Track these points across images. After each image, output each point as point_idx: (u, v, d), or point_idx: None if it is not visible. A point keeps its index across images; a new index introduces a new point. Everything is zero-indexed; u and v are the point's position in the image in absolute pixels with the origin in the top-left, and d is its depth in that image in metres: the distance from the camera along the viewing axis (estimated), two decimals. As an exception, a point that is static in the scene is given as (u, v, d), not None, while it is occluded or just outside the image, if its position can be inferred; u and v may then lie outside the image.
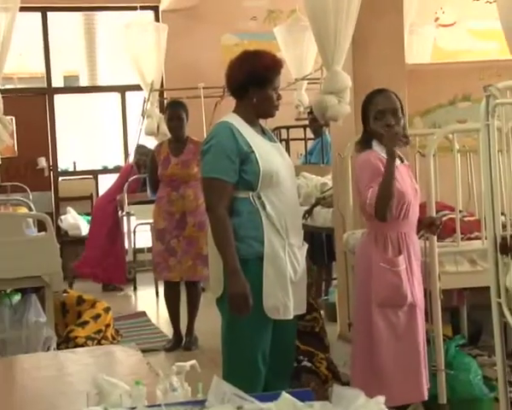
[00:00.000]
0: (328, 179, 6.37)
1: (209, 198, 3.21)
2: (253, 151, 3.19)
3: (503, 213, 3.47)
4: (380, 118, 3.53)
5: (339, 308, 5.55)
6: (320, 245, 6.56)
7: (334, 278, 6.41)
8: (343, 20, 4.56)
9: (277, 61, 3.35)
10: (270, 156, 3.24)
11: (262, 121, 3.48)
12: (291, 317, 3.29)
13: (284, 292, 3.23)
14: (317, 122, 7.04)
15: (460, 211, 4.23)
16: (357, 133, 5.06)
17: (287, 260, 3.23)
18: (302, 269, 3.34)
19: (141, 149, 9.00)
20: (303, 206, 6.26)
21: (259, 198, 3.19)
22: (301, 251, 3.35)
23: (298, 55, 9.04)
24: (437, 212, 4.12)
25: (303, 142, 8.08)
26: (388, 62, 5.16)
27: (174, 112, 5.87)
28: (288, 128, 7.54)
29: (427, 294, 3.92)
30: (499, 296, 3.34)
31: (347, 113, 4.84)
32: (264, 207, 3.19)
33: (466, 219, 4.44)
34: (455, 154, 4.24)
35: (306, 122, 8.14)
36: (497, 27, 5.46)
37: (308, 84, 9.00)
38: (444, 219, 4.24)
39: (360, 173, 3.54)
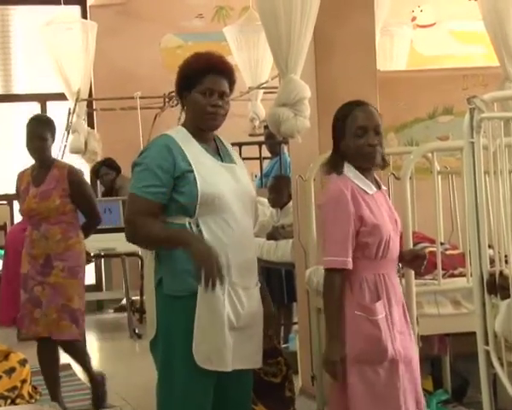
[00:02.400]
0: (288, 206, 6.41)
1: (127, 211, 3.32)
2: (191, 170, 3.23)
3: (490, 246, 3.52)
4: (361, 135, 3.45)
5: (300, 358, 5.56)
6: (278, 283, 6.58)
7: (295, 323, 6.42)
8: (298, 19, 4.59)
9: (207, 57, 3.36)
10: (215, 177, 3.26)
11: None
12: (227, 369, 3.25)
13: (219, 338, 3.21)
14: (273, 138, 7.09)
15: (441, 243, 4.29)
16: (320, 152, 5.11)
17: (225, 300, 3.21)
18: (249, 314, 3.30)
19: None
20: (258, 237, 6.29)
21: (197, 226, 3.22)
22: (249, 292, 3.32)
23: (252, 60, 9.10)
24: (414, 244, 4.17)
25: (258, 161, 8.12)
26: (357, 69, 5.23)
27: (34, 130, 5.55)
28: (240, 145, 7.57)
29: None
30: (487, 343, 3.38)
31: (305, 128, 4.87)
32: (202, 236, 3.21)
33: (448, 252, 4.50)
34: (435, 176, 4.30)
35: (262, 138, 8.19)
36: (483, 29, 5.58)
37: (265, 93, 9.06)
38: (423, 252, 4.28)
39: (326, 213, 3.44)
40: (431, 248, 4.33)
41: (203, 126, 3.33)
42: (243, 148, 8.01)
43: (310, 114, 4.93)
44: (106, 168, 8.95)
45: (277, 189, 6.63)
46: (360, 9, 5.26)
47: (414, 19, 9.98)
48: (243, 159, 7.55)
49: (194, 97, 3.30)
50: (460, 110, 4.60)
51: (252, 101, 9.30)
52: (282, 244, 6.13)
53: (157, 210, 3.24)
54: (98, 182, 9.51)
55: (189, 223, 3.20)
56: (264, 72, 9.01)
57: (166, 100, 9.26)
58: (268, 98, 8.70)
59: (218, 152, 3.39)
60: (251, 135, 9.00)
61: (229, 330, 3.22)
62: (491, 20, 5.28)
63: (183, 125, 3.37)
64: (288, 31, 4.65)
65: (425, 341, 4.01)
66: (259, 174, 8.19)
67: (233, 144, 7.43)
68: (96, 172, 9.22)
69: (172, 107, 9.21)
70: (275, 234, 6.39)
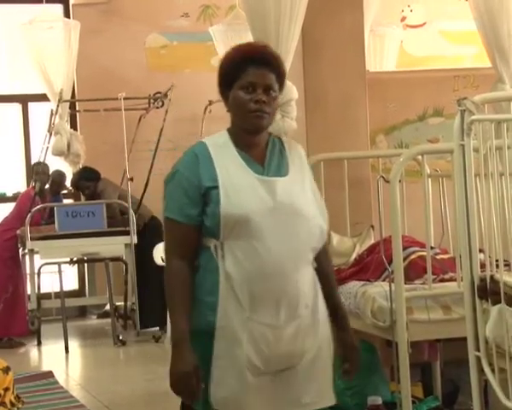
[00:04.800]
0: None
1: (165, 243, 2.95)
2: (216, 186, 2.84)
3: (481, 250, 3.54)
4: None
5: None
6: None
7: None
8: (286, 21, 4.61)
9: (247, 48, 3.01)
10: (244, 195, 2.85)
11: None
12: None
13: (238, 384, 2.84)
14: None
15: (432, 247, 4.31)
16: (308, 154, 5.13)
17: (244, 340, 2.82)
18: (283, 356, 2.87)
19: (37, 166, 8.91)
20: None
21: (222, 250, 2.85)
22: (279, 332, 2.86)
23: (239, 60, 9.10)
24: (404, 248, 4.19)
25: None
26: (346, 70, 5.26)
27: None
28: (226, 147, 7.58)
29: (393, 347, 3.97)
30: (478, 349, 3.40)
31: (292, 129, 4.89)
32: (224, 264, 2.84)
33: (439, 256, 4.52)
34: (425, 179, 4.32)
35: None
36: (474, 29, 5.60)
37: (252, 94, 9.06)
38: (412, 257, 4.31)
39: None
40: (421, 253, 4.35)
41: (247, 127, 2.91)
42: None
43: (298, 115, 4.95)
44: (84, 182, 8.91)
45: None
46: (349, 9, 5.30)
47: (404, 19, 9.99)
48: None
49: (235, 95, 2.91)
50: (450, 112, 4.64)
51: (238, 102, 9.30)
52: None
53: (194, 234, 2.87)
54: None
55: (215, 246, 2.84)
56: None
57: (151, 101, 9.26)
58: (255, 99, 8.72)
59: (264, 161, 2.95)
60: (237, 137, 9.00)
61: (253, 376, 2.84)
62: (483, 21, 5.31)
63: (228, 129, 2.97)
64: (277, 30, 4.67)
65: (415, 347, 4.03)
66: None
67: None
68: (75, 186, 9.18)
69: (157, 108, 9.23)
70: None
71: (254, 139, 2.93)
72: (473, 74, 5.96)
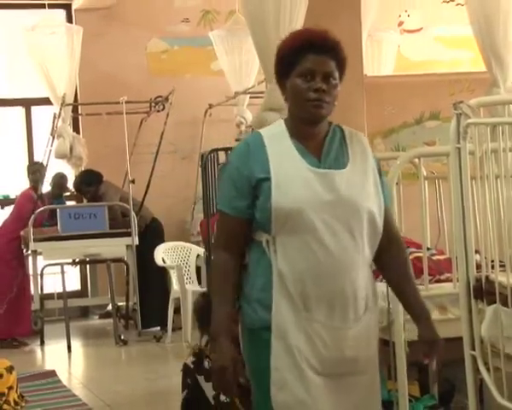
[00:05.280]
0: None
1: (215, 234, 2.86)
2: (268, 178, 2.66)
3: (477, 251, 3.55)
4: None
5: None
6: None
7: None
8: (286, 25, 4.62)
9: (305, 33, 2.80)
10: (296, 187, 2.65)
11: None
12: None
13: (300, 385, 2.64)
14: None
15: (428, 248, 4.31)
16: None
17: (301, 339, 2.64)
18: (341, 359, 2.68)
19: (32, 166, 8.92)
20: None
21: (274, 245, 2.67)
22: (338, 333, 2.68)
23: (238, 65, 9.13)
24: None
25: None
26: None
27: None
28: (226, 150, 7.58)
29: (391, 346, 3.97)
30: (473, 349, 3.41)
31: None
32: (276, 259, 2.66)
33: (435, 257, 4.52)
34: (421, 181, 4.32)
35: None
36: (470, 34, 5.61)
37: (251, 98, 9.08)
38: (410, 258, 4.31)
39: None
40: (417, 254, 4.35)
41: (305, 117, 2.71)
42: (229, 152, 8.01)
43: (296, 119, 4.95)
44: (85, 186, 8.91)
45: None
46: (347, 14, 5.30)
47: (401, 24, 10.01)
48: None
49: (292, 82, 2.71)
50: (447, 115, 4.63)
51: (238, 106, 9.32)
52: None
53: (242, 228, 2.71)
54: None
55: (267, 241, 2.67)
56: (251, 76, 9.04)
57: (152, 105, 9.27)
58: (254, 103, 8.73)
59: (321, 152, 2.74)
60: (237, 140, 9.00)
61: (315, 375, 2.66)
62: (480, 26, 5.32)
63: (285, 119, 2.79)
64: (277, 35, 4.67)
65: (411, 346, 4.03)
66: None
67: (219, 150, 7.53)
68: (77, 190, 9.18)
69: (158, 112, 9.24)
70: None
71: (312, 129, 2.73)
72: (468, 78, 5.96)
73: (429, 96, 5.77)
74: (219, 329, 2.69)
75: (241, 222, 2.71)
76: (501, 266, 3.66)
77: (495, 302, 3.39)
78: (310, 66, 2.68)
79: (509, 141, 3.63)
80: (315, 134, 2.73)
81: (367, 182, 2.72)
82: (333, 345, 2.66)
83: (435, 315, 4.14)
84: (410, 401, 4.06)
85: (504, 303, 3.57)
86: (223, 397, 4.20)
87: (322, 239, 2.63)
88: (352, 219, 2.67)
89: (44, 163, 8.86)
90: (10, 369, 5.78)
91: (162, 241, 8.60)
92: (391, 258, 2.81)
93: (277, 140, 2.72)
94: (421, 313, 2.83)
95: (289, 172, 2.66)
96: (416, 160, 4.46)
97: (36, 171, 8.73)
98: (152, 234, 8.63)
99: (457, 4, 9.14)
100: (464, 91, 5.72)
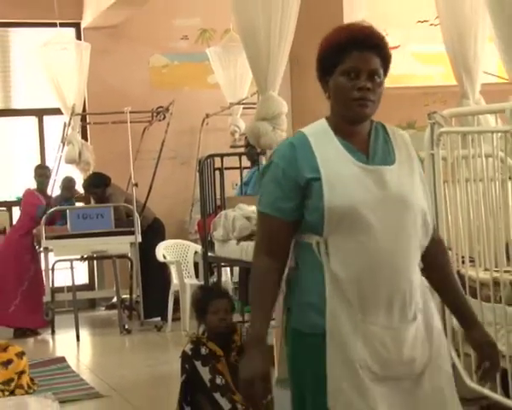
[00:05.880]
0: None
1: (256, 237, 2.50)
2: (318, 178, 2.35)
3: (449, 248, 3.55)
4: None
5: (277, 351, 5.56)
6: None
7: (272, 319, 6.42)
8: (276, 41, 4.63)
9: (349, 29, 2.45)
10: (349, 185, 2.35)
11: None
12: None
13: (359, 393, 2.32)
14: (253, 149, 7.11)
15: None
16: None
17: (358, 344, 2.32)
18: (404, 360, 2.37)
19: (40, 169, 8.91)
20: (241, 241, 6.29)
21: (326, 248, 2.34)
22: (396, 333, 2.37)
23: (233, 78, 9.14)
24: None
25: (239, 171, 8.13)
26: (329, 87, 5.26)
27: None
28: (221, 156, 7.58)
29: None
30: (445, 336, 3.41)
31: (282, 140, 4.91)
32: (329, 262, 2.34)
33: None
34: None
35: (242, 150, 8.20)
36: (441, 51, 5.63)
37: (244, 108, 9.08)
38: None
39: None
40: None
41: (349, 116, 2.41)
42: (225, 159, 8.02)
43: (286, 128, 4.96)
44: (93, 188, 8.90)
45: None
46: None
47: (380, 42, 10.02)
48: (225, 169, 7.74)
49: (336, 81, 2.41)
50: (422, 125, 4.65)
51: (232, 115, 9.32)
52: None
53: (287, 230, 2.40)
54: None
55: (318, 243, 2.35)
56: (244, 89, 9.04)
57: (154, 114, 9.27)
58: (247, 113, 8.74)
59: (368, 150, 2.44)
60: (232, 147, 9.02)
61: (372, 382, 2.34)
62: (453, 43, 5.33)
63: (327, 117, 2.48)
64: (267, 51, 4.68)
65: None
66: (240, 183, 8.19)
67: (215, 155, 7.53)
68: (86, 191, 9.19)
69: (160, 121, 9.24)
70: (252, 235, 6.40)
71: (356, 128, 2.43)
72: (441, 91, 5.98)
73: (406, 107, 5.78)
74: (254, 341, 2.39)
75: (285, 224, 2.38)
76: (471, 261, 3.67)
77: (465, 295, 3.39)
78: (354, 63, 2.38)
79: (478, 148, 3.64)
80: (358, 132, 2.43)
81: (415, 180, 2.43)
82: (393, 346, 2.36)
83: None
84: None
85: (474, 295, 3.58)
86: (218, 380, 4.19)
87: (376, 238, 2.32)
88: (405, 216, 2.37)
89: (55, 168, 8.86)
90: (21, 354, 5.75)
91: (163, 239, 8.60)
92: (435, 258, 2.52)
93: (322, 138, 2.42)
94: (471, 316, 2.55)
95: (339, 170, 2.36)
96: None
97: (42, 175, 8.74)
98: (154, 233, 8.63)
99: (431, 24, 9.17)
100: (437, 103, 5.74)
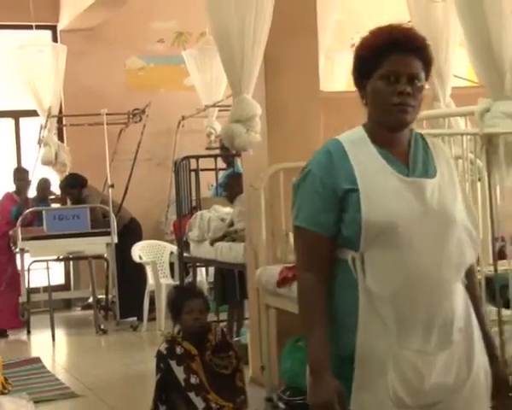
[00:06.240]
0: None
1: (296, 255, 2.29)
2: (355, 189, 2.17)
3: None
4: None
5: (251, 350, 5.56)
6: (232, 282, 6.57)
7: (247, 318, 6.43)
8: (250, 43, 4.61)
9: (388, 31, 2.25)
10: (388, 198, 2.17)
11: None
12: None
13: None
14: (228, 151, 7.10)
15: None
16: (270, 163, 5.13)
17: (390, 368, 2.14)
18: (435, 388, 2.17)
19: (19, 173, 8.85)
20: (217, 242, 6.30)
21: (362, 264, 2.16)
22: (432, 359, 2.18)
23: (209, 81, 9.12)
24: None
25: (214, 172, 8.12)
26: (302, 89, 5.26)
27: None
28: (197, 158, 7.57)
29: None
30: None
31: (256, 142, 4.89)
32: (364, 279, 2.15)
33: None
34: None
35: (218, 151, 8.19)
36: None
37: (220, 111, 9.06)
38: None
39: None
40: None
41: (388, 123, 2.22)
42: (200, 160, 8.01)
43: (260, 130, 4.95)
44: (69, 189, 8.85)
45: (230, 185, 6.68)
46: (305, 35, 5.30)
47: (353, 45, 10.04)
48: (200, 170, 7.72)
49: (374, 85, 2.22)
50: (394, 126, 4.66)
51: (208, 118, 9.30)
52: (235, 246, 6.13)
53: (329, 245, 2.21)
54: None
55: (353, 258, 2.17)
56: (220, 91, 9.02)
57: (130, 116, 9.22)
58: (223, 115, 8.70)
59: (408, 160, 2.25)
60: (207, 148, 9.00)
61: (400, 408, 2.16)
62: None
63: (364, 124, 2.30)
64: (241, 54, 4.66)
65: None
66: (215, 184, 8.19)
67: (191, 157, 7.51)
68: (63, 191, 9.14)
69: (136, 123, 9.19)
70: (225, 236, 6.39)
71: (395, 136, 2.24)
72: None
73: (378, 109, 5.79)
74: (318, 362, 2.17)
75: (329, 240, 2.19)
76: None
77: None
78: (394, 67, 2.20)
79: (449, 150, 3.64)
80: (398, 141, 2.25)
81: (456, 195, 2.25)
82: (425, 373, 2.16)
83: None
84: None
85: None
86: (193, 379, 4.18)
87: (416, 255, 2.14)
88: (447, 232, 2.19)
89: (31, 169, 8.80)
90: (-6, 355, 5.69)
91: (140, 239, 8.58)
92: (468, 283, 2.31)
93: (359, 147, 2.23)
94: (492, 348, 2.35)
95: (378, 181, 2.18)
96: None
97: (22, 178, 8.69)
98: (130, 233, 8.59)
99: (404, 28, 9.22)
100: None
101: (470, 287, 2.32)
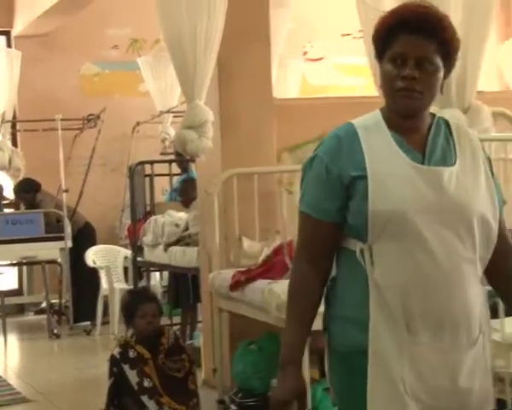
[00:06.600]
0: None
1: (297, 241, 2.17)
2: (364, 176, 2.03)
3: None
4: None
5: (203, 353, 5.54)
6: (185, 286, 6.55)
7: (199, 321, 6.41)
8: (202, 50, 4.61)
9: (401, 10, 2.08)
10: (399, 186, 2.02)
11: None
12: None
13: None
14: (183, 156, 7.09)
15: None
16: (223, 169, 5.12)
17: (405, 367, 2.01)
18: (449, 391, 2.05)
19: None
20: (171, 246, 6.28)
21: (371, 256, 2.03)
22: (449, 358, 2.04)
23: (163, 87, 9.10)
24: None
25: (168, 177, 8.09)
26: (255, 96, 5.27)
27: None
28: (151, 163, 7.54)
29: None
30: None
31: (208, 148, 4.89)
32: (373, 272, 2.02)
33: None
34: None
35: (172, 157, 8.17)
36: (364, 63, 5.70)
37: (174, 117, 9.04)
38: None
39: None
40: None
41: (395, 108, 2.07)
42: (155, 165, 7.97)
43: (213, 136, 4.94)
44: (23, 193, 8.74)
45: (186, 190, 6.67)
46: (258, 43, 5.31)
47: (305, 53, 10.14)
48: (155, 175, 7.68)
49: (383, 68, 2.08)
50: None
51: (163, 123, 9.28)
52: (189, 251, 6.10)
53: (331, 234, 2.08)
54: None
55: (361, 250, 2.03)
56: (174, 97, 9.00)
57: (85, 122, 9.14)
58: (177, 121, 8.64)
59: (425, 147, 2.09)
60: (162, 154, 8.97)
61: (417, 404, 2.02)
62: (374, 55, 5.39)
63: (382, 109, 2.13)
64: (194, 60, 4.65)
65: (313, 335, 4.04)
66: (169, 189, 8.16)
67: (145, 162, 7.47)
68: (16, 196, 9.02)
69: (91, 128, 9.11)
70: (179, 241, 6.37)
71: (410, 123, 2.08)
72: (362, 102, 6.03)
73: (329, 116, 5.80)
74: (290, 356, 2.08)
75: (331, 227, 2.07)
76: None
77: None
78: (401, 49, 2.04)
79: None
80: (415, 128, 2.09)
81: (479, 183, 2.09)
82: (443, 372, 2.02)
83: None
84: (310, 383, 4.07)
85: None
86: (146, 383, 4.15)
87: (428, 247, 2.00)
88: (463, 224, 2.04)
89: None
90: None
91: (94, 243, 8.51)
92: (506, 274, 2.18)
93: (374, 132, 2.07)
94: None
95: (389, 168, 2.02)
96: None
97: None
98: (85, 237, 8.52)
99: (354, 38, 9.30)
100: (359, 113, 5.79)
101: (509, 266, 2.17)
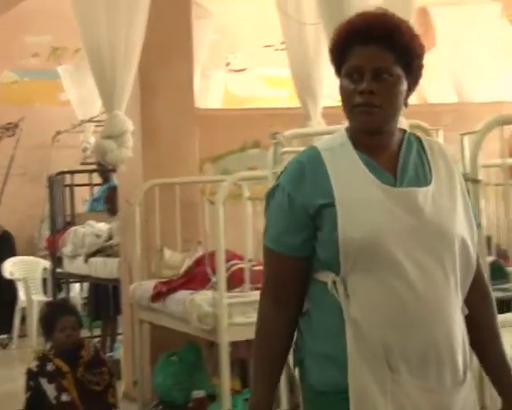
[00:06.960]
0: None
1: (262, 277, 1.99)
2: (331, 204, 1.85)
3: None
4: None
5: (124, 365, 5.46)
6: (106, 297, 6.45)
7: (120, 333, 6.32)
8: (122, 60, 4.55)
9: (353, 20, 1.90)
10: (372, 212, 1.84)
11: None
12: None
13: None
14: (105, 166, 7.00)
15: (249, 260, 4.34)
16: (145, 179, 5.07)
17: (389, 407, 1.82)
18: None
19: None
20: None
21: (345, 289, 1.84)
22: (435, 398, 1.86)
23: (84, 96, 8.96)
24: (227, 261, 4.20)
25: (89, 187, 7.98)
26: (177, 106, 5.24)
27: None
28: (72, 173, 7.42)
29: (215, 347, 3.96)
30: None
31: (128, 158, 4.84)
32: (349, 305, 1.84)
33: (256, 268, 4.55)
34: (244, 201, 4.36)
35: (94, 167, 8.06)
36: (287, 75, 5.74)
37: (96, 126, 8.92)
38: (233, 268, 4.32)
39: None
40: (240, 265, 4.37)
41: (355, 126, 1.91)
42: (75, 175, 7.84)
43: (135, 146, 4.89)
44: None
45: (112, 198, 6.58)
46: (180, 54, 5.29)
47: (228, 64, 10.16)
48: (75, 185, 7.55)
49: (340, 84, 1.91)
50: (266, 144, 4.72)
51: (84, 133, 9.15)
52: (110, 262, 6.02)
53: (296, 269, 1.90)
54: None
55: (334, 283, 1.85)
56: (96, 107, 8.88)
57: (3, 130, 8.95)
58: (99, 131, 8.56)
59: (396, 167, 1.91)
60: (82, 163, 8.84)
61: None
62: (298, 68, 5.42)
63: (347, 128, 1.96)
64: (113, 71, 4.59)
65: (234, 346, 4.04)
66: (90, 199, 8.04)
67: (65, 172, 7.34)
68: None
69: (9, 137, 8.92)
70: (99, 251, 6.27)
71: (377, 141, 1.90)
72: (286, 113, 6.07)
73: (252, 127, 5.83)
74: (256, 406, 1.94)
75: (293, 261, 1.89)
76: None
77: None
78: (356, 62, 1.87)
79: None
80: (383, 146, 1.91)
81: (456, 204, 1.91)
82: None
83: (255, 318, 4.17)
84: (232, 394, 4.05)
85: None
86: (64, 397, 4.07)
87: (406, 276, 1.81)
88: (442, 248, 1.86)
89: None
90: None
91: (13, 252, 8.34)
92: (481, 314, 1.98)
93: (339, 154, 1.90)
94: (509, 384, 1.98)
95: (359, 193, 1.85)
96: (240, 182, 4.50)
97: None
98: (2, 246, 8.34)
99: (276, 49, 9.37)
100: (281, 124, 5.82)
101: (481, 311, 1.98)
